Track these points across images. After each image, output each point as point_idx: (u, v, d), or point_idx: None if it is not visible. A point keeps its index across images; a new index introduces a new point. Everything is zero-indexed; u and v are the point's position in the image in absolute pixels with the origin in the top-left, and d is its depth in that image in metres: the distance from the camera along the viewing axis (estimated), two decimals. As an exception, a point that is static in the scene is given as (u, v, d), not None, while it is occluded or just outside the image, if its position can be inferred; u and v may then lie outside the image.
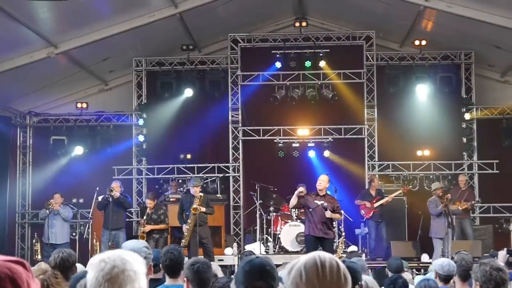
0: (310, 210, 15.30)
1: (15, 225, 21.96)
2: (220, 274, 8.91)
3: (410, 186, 20.72)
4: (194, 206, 15.91)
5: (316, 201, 15.12)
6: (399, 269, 9.83)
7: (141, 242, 5.63)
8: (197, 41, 21.78)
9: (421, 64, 21.42)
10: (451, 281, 8.24)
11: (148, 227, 17.16)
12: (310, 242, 15.30)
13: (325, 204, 15.15)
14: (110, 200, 17.20)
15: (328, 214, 14.96)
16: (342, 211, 18.40)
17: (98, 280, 2.88)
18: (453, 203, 18.59)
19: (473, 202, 19.41)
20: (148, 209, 17.59)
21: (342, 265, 2.91)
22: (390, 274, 9.67)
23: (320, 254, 2.92)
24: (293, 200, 15.55)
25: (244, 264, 3.84)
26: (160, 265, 7.22)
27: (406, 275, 10.37)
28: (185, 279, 6.31)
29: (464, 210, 18.95)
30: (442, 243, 17.89)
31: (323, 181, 15.24)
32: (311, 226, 15.20)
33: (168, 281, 7.03)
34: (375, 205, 19.02)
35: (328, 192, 16.39)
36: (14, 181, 21.84)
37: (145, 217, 17.27)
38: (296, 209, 17.98)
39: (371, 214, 19.03)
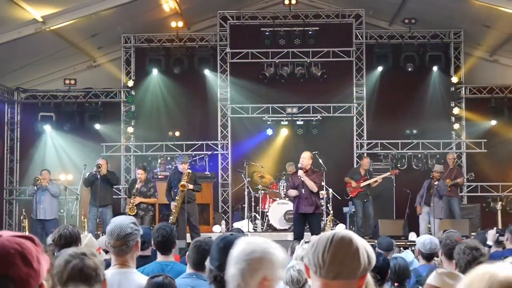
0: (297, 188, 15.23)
1: (3, 202, 21.92)
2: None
3: (399, 165, 20.78)
4: (182, 182, 15.89)
5: (301, 178, 15.06)
6: (389, 248, 9.83)
7: (128, 218, 5.61)
8: (186, 18, 21.68)
9: (410, 42, 21.42)
10: (438, 259, 8.25)
11: (138, 199, 16.94)
12: (296, 219, 15.26)
13: (304, 187, 14.95)
14: (98, 177, 17.10)
15: (300, 173, 14.78)
16: (330, 190, 18.46)
17: None
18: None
19: (464, 178, 19.53)
20: (138, 181, 17.38)
21: (356, 247, 2.83)
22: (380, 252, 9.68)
23: (339, 231, 2.89)
24: (292, 193, 15.42)
25: (219, 241, 3.84)
26: (152, 242, 7.21)
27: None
28: (186, 257, 6.26)
29: (455, 186, 19.03)
30: (426, 221, 18.07)
31: (304, 159, 15.11)
32: (297, 203, 15.14)
33: (159, 257, 7.02)
34: (362, 184, 19.03)
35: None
36: (2, 158, 21.77)
37: (134, 191, 17.08)
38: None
39: (356, 193, 19.04)
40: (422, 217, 18.37)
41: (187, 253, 6.21)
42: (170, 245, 7.09)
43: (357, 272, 2.80)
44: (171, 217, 16.22)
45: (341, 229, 2.92)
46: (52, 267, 4.07)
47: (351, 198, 19.20)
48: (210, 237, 6.60)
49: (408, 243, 17.21)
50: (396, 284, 6.97)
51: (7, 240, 2.27)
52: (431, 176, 18.20)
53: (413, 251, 13.15)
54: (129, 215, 16.68)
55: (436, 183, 17.75)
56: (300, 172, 14.81)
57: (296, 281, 5.78)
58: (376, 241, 15.94)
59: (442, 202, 18.21)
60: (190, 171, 16.36)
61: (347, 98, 21.66)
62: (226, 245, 3.79)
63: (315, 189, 15.03)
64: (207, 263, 3.86)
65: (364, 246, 2.86)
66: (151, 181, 18.02)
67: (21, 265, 2.24)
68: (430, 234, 16.59)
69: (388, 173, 19.79)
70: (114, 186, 18.58)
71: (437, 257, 8.49)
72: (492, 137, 21.12)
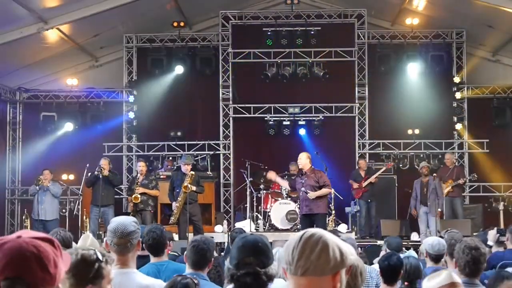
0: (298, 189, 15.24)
1: (5, 201, 21.93)
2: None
3: (393, 163, 20.72)
4: (185, 184, 15.86)
5: (300, 181, 15.04)
6: (398, 248, 9.78)
7: (129, 218, 5.59)
8: (188, 18, 21.69)
9: (413, 42, 21.41)
10: (443, 260, 8.23)
11: (141, 189, 16.89)
12: (302, 221, 15.40)
13: (304, 187, 14.92)
14: (100, 177, 17.07)
15: (312, 195, 14.78)
16: (333, 190, 18.41)
17: None
18: (443, 182, 18.68)
19: (466, 178, 19.53)
20: (139, 174, 17.34)
21: (325, 244, 2.79)
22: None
23: (311, 229, 2.86)
24: (283, 183, 15.50)
25: (238, 240, 3.88)
26: (143, 245, 7.18)
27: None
28: (184, 256, 6.26)
29: (457, 186, 19.01)
30: (424, 221, 18.06)
31: (301, 159, 15.14)
32: (300, 205, 15.20)
33: (152, 259, 7.00)
34: (364, 184, 19.04)
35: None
36: (4, 157, 21.78)
37: (135, 185, 17.00)
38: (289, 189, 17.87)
39: (361, 194, 19.08)
40: (420, 218, 18.35)
41: (185, 253, 6.20)
42: (162, 247, 7.07)
43: (325, 269, 2.76)
44: (172, 218, 16.21)
45: (312, 229, 2.89)
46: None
47: (356, 199, 19.25)
48: (212, 237, 6.60)
49: (410, 243, 17.21)
50: (406, 283, 6.96)
51: (25, 242, 2.26)
52: (424, 175, 18.16)
53: (416, 251, 13.18)
54: (134, 202, 16.70)
55: (436, 182, 17.70)
56: (312, 195, 14.73)
57: None
58: (377, 241, 16.06)
59: (438, 199, 18.16)
60: (193, 172, 16.33)
61: (349, 98, 21.67)
62: (244, 244, 3.82)
63: (328, 192, 15.15)
64: (227, 261, 3.88)
65: (336, 243, 2.81)
66: (151, 174, 17.99)
67: (36, 269, 2.23)
68: (431, 234, 16.60)
69: (384, 168, 19.83)
70: (116, 186, 18.56)
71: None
72: (494, 137, 21.11)
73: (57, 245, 2.34)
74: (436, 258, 8.13)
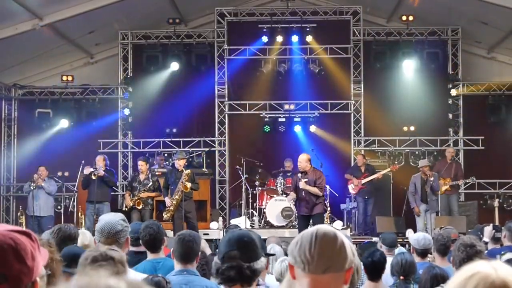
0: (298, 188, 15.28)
1: (0, 198, 21.91)
2: (207, 251, 8.82)
3: (396, 162, 20.73)
4: (187, 185, 15.86)
5: (301, 179, 15.11)
6: (393, 244, 9.80)
7: (118, 215, 5.58)
8: (183, 15, 21.67)
9: (408, 39, 21.40)
10: (432, 256, 8.28)
11: (146, 194, 16.89)
12: (300, 220, 15.47)
13: (304, 180, 15.04)
14: (93, 177, 17.03)
15: (301, 184, 14.89)
16: (328, 186, 18.39)
17: None
18: (441, 178, 18.64)
19: (464, 180, 19.49)
20: (140, 173, 17.30)
21: (341, 240, 2.89)
22: (384, 248, 9.66)
23: (321, 227, 2.94)
24: (291, 194, 15.61)
25: (226, 235, 3.95)
26: (141, 241, 7.16)
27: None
28: (171, 251, 6.27)
29: (452, 186, 19.00)
30: (422, 219, 18.03)
31: (301, 162, 15.20)
32: (298, 205, 15.28)
33: (149, 256, 6.99)
34: (363, 181, 19.02)
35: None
36: (-1, 154, 21.78)
37: (138, 184, 16.95)
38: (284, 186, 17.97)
39: (358, 190, 19.05)
40: (419, 216, 18.33)
41: (172, 249, 6.20)
42: (158, 243, 7.07)
43: (344, 265, 2.86)
44: (167, 214, 16.20)
45: (324, 226, 2.94)
46: (52, 261, 4.07)
47: (354, 195, 19.23)
48: (207, 233, 6.62)
49: (405, 240, 17.20)
50: (402, 277, 7.02)
51: (2, 235, 2.24)
52: (424, 173, 18.09)
53: (409, 248, 13.19)
54: (135, 207, 16.68)
55: (431, 178, 17.66)
56: (302, 184, 14.85)
57: None
58: (373, 238, 16.06)
59: (435, 196, 18.16)
60: (189, 171, 16.31)
61: (345, 95, 21.66)
62: (230, 238, 3.90)
63: (320, 194, 15.14)
64: (216, 258, 3.92)
65: (347, 240, 2.92)
66: (153, 175, 17.98)
67: (13, 262, 2.21)
68: (427, 231, 16.59)
69: (388, 169, 19.81)
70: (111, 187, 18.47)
71: (431, 253, 8.50)
72: (489, 134, 21.11)
73: (34, 238, 2.32)
74: (422, 253, 8.20)
